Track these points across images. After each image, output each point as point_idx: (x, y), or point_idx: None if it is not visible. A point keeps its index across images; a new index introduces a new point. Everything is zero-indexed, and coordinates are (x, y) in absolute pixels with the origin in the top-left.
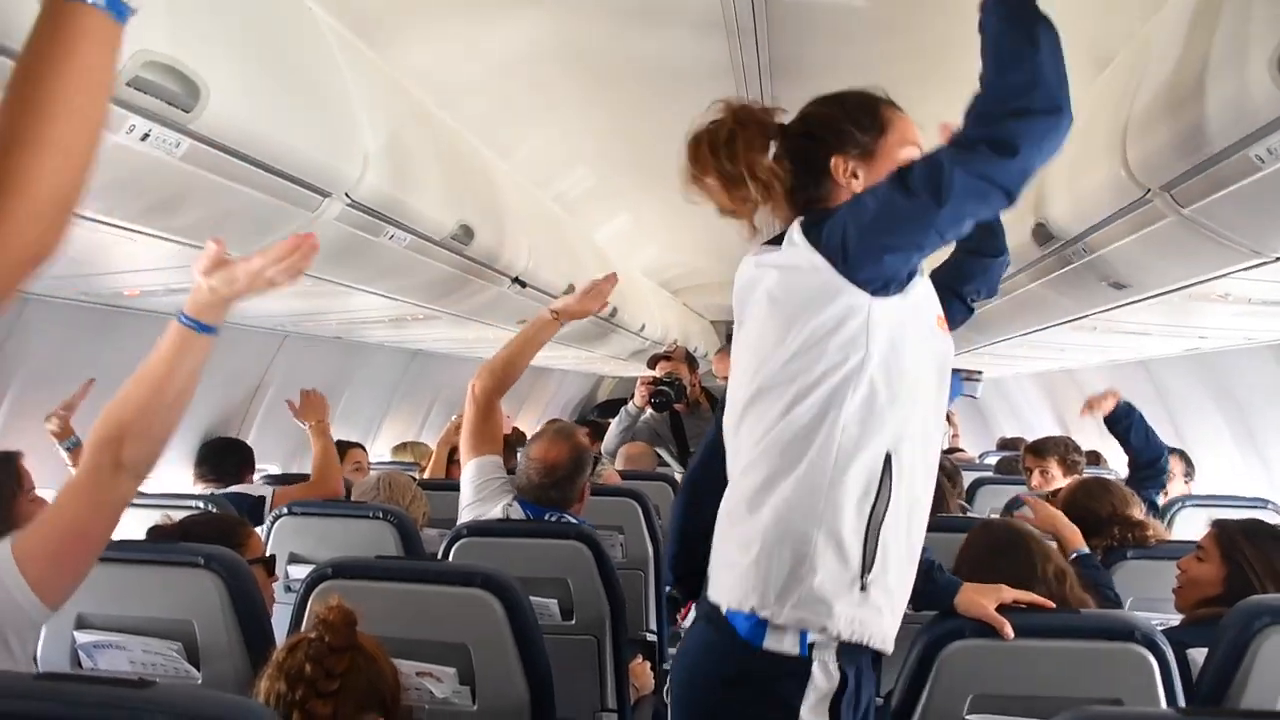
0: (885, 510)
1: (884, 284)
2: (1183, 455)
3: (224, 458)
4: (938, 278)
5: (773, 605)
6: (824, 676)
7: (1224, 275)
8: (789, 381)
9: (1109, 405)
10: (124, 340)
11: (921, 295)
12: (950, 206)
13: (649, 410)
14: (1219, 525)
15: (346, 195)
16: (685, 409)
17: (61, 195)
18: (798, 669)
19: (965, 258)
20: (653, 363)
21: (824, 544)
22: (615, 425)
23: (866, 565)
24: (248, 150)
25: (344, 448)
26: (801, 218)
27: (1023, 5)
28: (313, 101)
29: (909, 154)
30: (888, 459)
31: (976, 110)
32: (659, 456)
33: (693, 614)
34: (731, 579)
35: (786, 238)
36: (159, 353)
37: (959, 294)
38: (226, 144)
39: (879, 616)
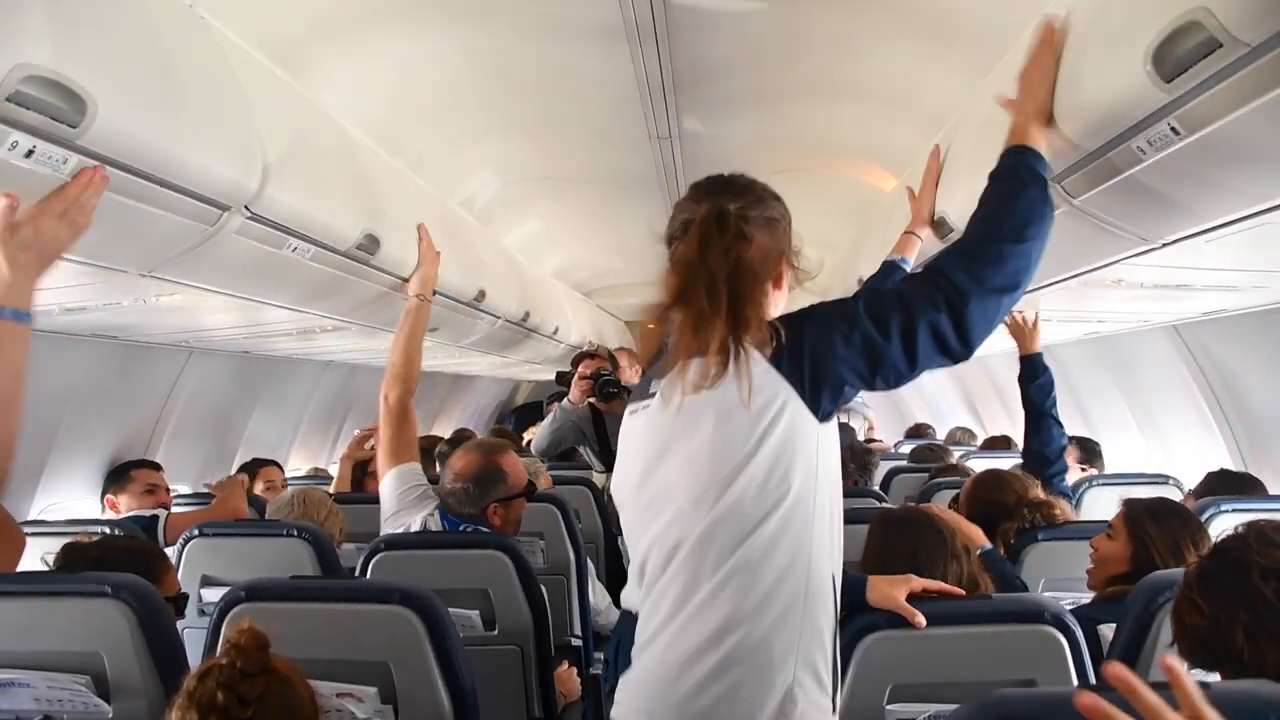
0: (839, 629)
1: (831, 411)
2: (1082, 443)
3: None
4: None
5: None
6: None
7: (1116, 262)
8: (750, 511)
9: (1032, 337)
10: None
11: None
12: (918, 370)
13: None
14: (1127, 505)
15: (246, 208)
16: (621, 404)
17: None
18: None
19: None
20: (576, 361)
21: (803, 674)
22: (548, 424)
23: (836, 685)
24: (140, 165)
25: (258, 465)
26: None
27: (1042, 188)
28: (208, 113)
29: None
30: (832, 580)
31: (968, 273)
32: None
33: None
34: (705, 718)
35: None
36: None
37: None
38: (117, 159)
39: None
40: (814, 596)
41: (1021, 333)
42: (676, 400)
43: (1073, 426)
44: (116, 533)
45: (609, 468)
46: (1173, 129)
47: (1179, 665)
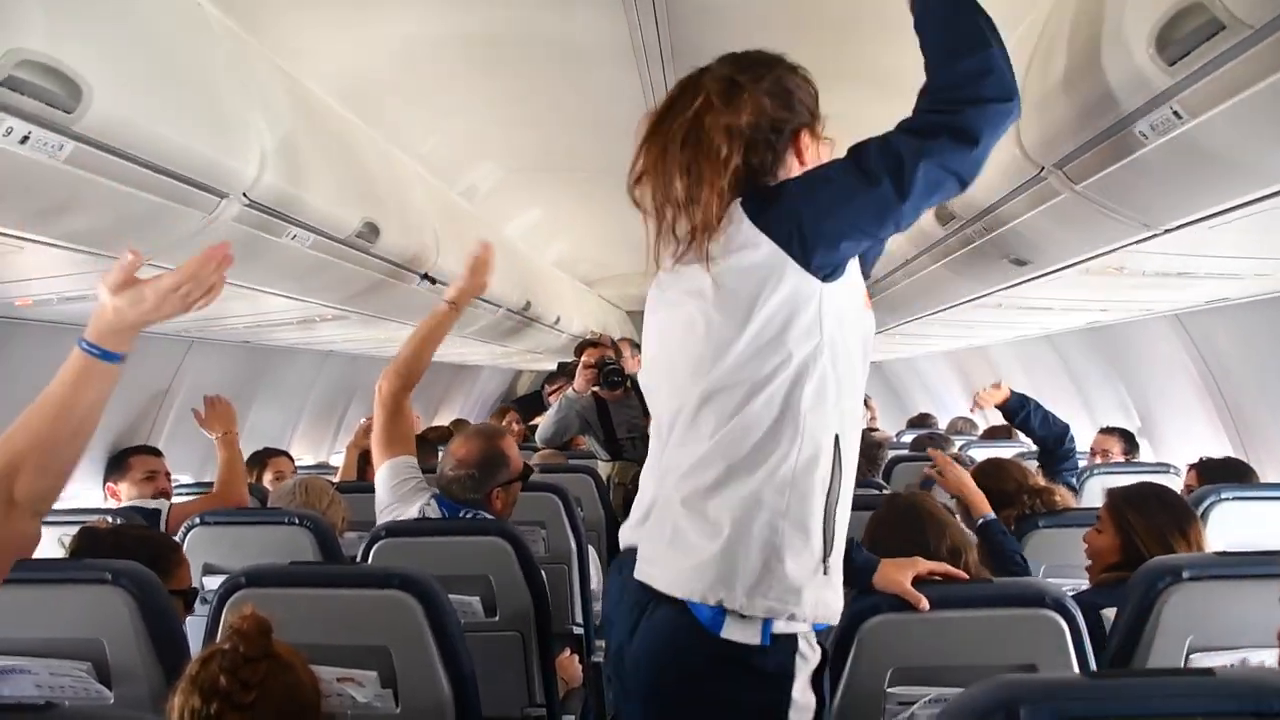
0: (839, 492)
1: (834, 269)
2: (1124, 434)
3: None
4: None
5: (741, 597)
6: (811, 651)
7: (1118, 249)
8: (746, 377)
9: (998, 398)
10: (17, 354)
11: (856, 275)
12: (913, 200)
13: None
14: (1109, 495)
15: (244, 195)
16: (625, 393)
17: None
18: (772, 652)
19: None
20: (581, 349)
21: (791, 533)
22: (552, 414)
23: (827, 548)
24: (136, 151)
25: (266, 455)
26: (739, 198)
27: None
28: (204, 99)
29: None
30: (836, 442)
31: (933, 98)
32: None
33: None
34: (692, 569)
35: (727, 218)
36: (59, 381)
37: None
38: (113, 145)
39: (835, 594)
40: (807, 460)
41: (992, 400)
42: (668, 276)
43: (1076, 416)
44: (123, 522)
45: (615, 457)
46: (1175, 113)
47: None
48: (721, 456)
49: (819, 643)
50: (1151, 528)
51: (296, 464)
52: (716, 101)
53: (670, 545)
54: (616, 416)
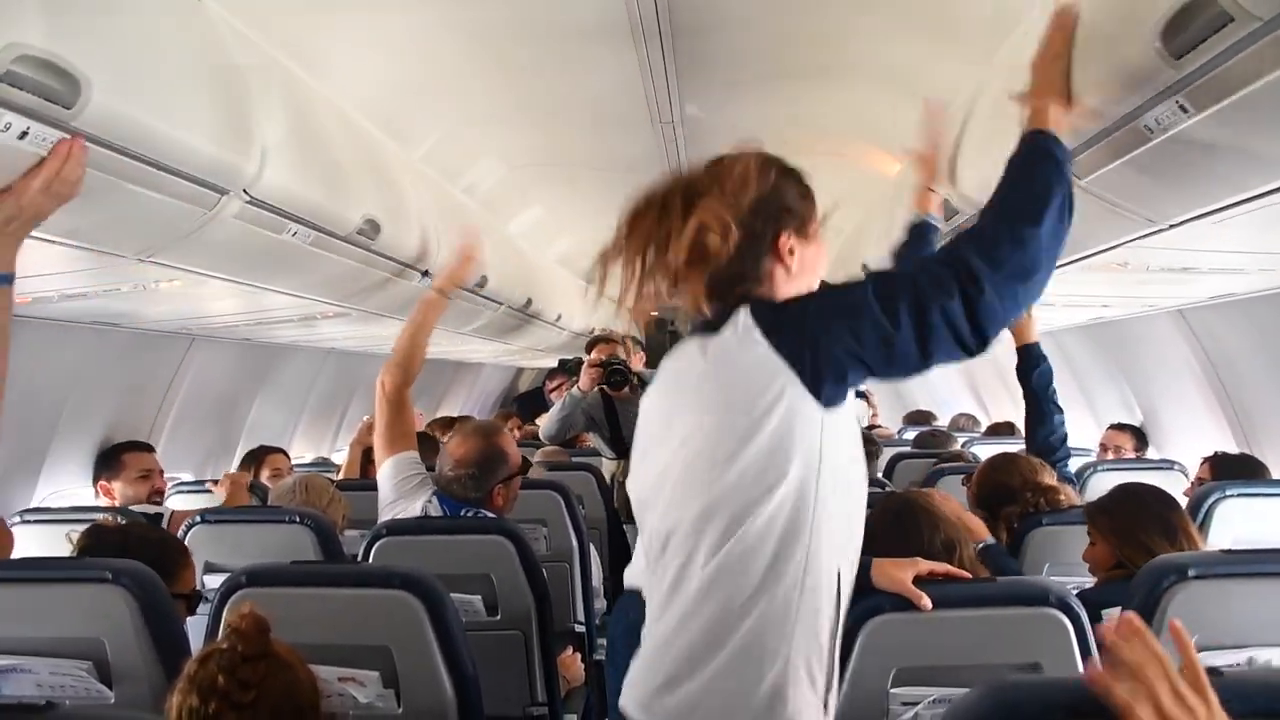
0: (839, 627)
1: (836, 398)
2: (1135, 430)
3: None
4: None
5: None
6: None
7: (1122, 244)
8: (744, 496)
9: (1028, 326)
10: (20, 353)
11: (852, 401)
12: (932, 363)
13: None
14: (1085, 509)
15: (245, 192)
16: (631, 392)
17: None
18: None
19: None
20: (590, 346)
21: (795, 673)
22: (556, 411)
23: (829, 685)
24: (136, 147)
25: (263, 453)
26: (750, 306)
27: (1061, 172)
28: (204, 95)
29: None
30: (838, 577)
31: (983, 256)
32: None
33: None
34: (694, 713)
35: (734, 324)
36: None
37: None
38: (113, 141)
39: None
40: (811, 592)
41: (1017, 322)
42: (672, 380)
43: (1079, 414)
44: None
45: (620, 455)
46: (1181, 107)
47: (1184, 629)
48: (720, 590)
49: None
50: (1125, 533)
51: (297, 462)
52: (683, 210)
53: (664, 689)
54: (623, 414)
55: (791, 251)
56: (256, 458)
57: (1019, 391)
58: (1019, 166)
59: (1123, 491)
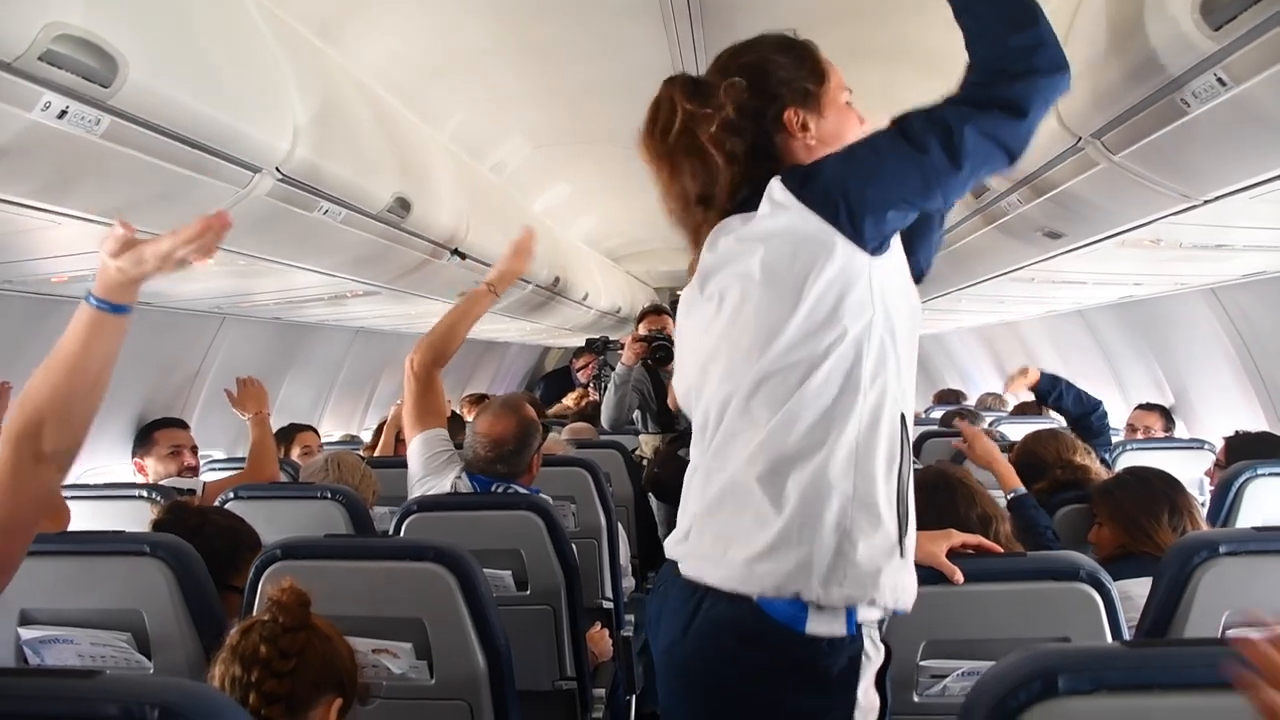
0: (908, 471)
1: (881, 242)
2: (1163, 411)
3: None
4: None
5: (818, 588)
6: (875, 651)
7: (1155, 220)
8: (801, 357)
9: (1028, 382)
10: (54, 330)
11: (899, 249)
12: (965, 171)
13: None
14: (1092, 493)
15: (277, 170)
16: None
17: None
18: (845, 648)
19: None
20: (641, 319)
21: (861, 515)
22: (611, 394)
23: (902, 529)
24: (172, 125)
25: (293, 431)
26: (780, 176)
27: None
28: (238, 74)
29: (846, 99)
30: (901, 419)
31: (981, 73)
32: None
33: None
34: (757, 563)
35: (767, 197)
36: (71, 336)
37: None
38: (149, 119)
39: (911, 577)
40: (871, 438)
41: (1023, 384)
42: (712, 262)
43: (1108, 393)
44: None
45: (665, 429)
46: (1219, 79)
47: None
48: (780, 442)
49: (882, 640)
50: (1126, 516)
51: (326, 439)
52: (692, 107)
53: (727, 541)
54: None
55: (805, 126)
56: (288, 435)
57: (1047, 368)
58: None
59: (1129, 475)
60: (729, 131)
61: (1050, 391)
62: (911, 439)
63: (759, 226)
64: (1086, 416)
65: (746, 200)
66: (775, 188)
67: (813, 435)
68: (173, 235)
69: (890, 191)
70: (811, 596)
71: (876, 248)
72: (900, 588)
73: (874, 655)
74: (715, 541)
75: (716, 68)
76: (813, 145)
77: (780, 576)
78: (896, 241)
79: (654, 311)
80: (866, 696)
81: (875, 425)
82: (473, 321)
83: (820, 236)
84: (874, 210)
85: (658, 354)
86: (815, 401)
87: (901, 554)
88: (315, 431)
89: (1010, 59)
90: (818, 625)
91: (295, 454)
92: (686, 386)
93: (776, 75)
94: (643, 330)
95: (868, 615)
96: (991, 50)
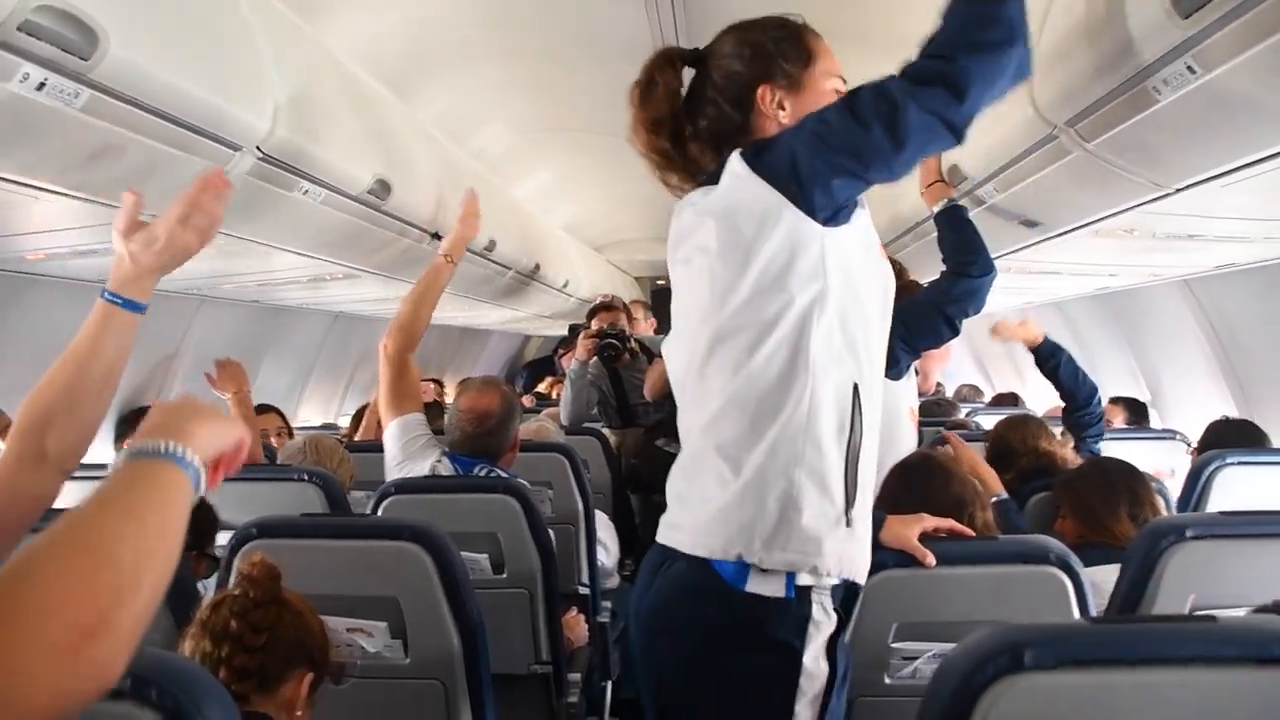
0: (860, 441)
1: (834, 212)
2: (1130, 403)
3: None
4: (924, 299)
5: (760, 551)
6: (825, 617)
7: (1129, 209)
8: (750, 322)
9: (1028, 334)
10: (31, 309)
11: (865, 224)
12: (908, 149)
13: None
14: (1054, 485)
15: (258, 148)
16: (633, 358)
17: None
18: (792, 612)
19: (954, 281)
20: (592, 314)
21: (807, 482)
22: (568, 392)
23: (849, 499)
24: (152, 101)
25: (259, 411)
26: (739, 150)
27: None
28: (219, 51)
29: (834, 85)
30: (855, 389)
31: (935, 42)
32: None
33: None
34: (709, 526)
35: (727, 170)
36: (84, 334)
37: (945, 315)
38: (129, 94)
39: (861, 549)
40: (819, 407)
41: (1016, 334)
42: (677, 234)
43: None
44: None
45: (626, 425)
46: (1189, 67)
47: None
48: (732, 407)
49: (835, 609)
50: (1085, 508)
51: (304, 425)
52: (663, 87)
53: (687, 504)
54: (628, 382)
55: (781, 105)
56: None
57: (1024, 363)
58: None
59: (1090, 467)
60: (705, 103)
61: (1050, 358)
62: (867, 409)
63: (716, 198)
64: (1081, 400)
65: (711, 174)
66: (735, 160)
67: (763, 403)
68: (178, 204)
69: (835, 161)
70: (753, 559)
71: (829, 218)
72: (847, 558)
73: (824, 622)
74: (678, 506)
75: (712, 44)
76: (784, 124)
77: (725, 539)
78: (864, 217)
79: (604, 308)
80: (816, 664)
81: (826, 395)
82: (436, 295)
83: (772, 205)
84: (820, 178)
85: (606, 351)
86: (765, 370)
87: (849, 523)
88: (279, 413)
89: (962, 28)
90: (758, 585)
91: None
92: (667, 349)
93: (753, 51)
94: (594, 326)
95: (812, 582)
96: (949, 18)
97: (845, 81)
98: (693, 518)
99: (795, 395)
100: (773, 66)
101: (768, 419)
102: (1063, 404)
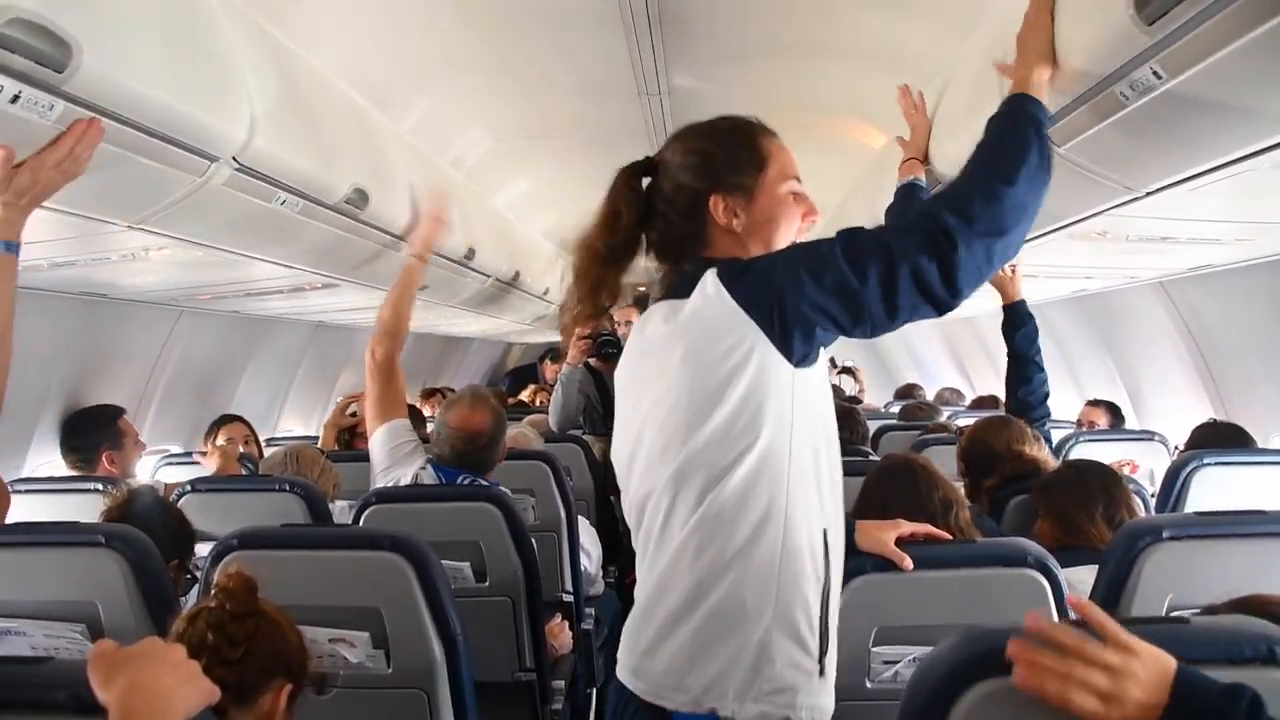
0: (830, 590)
1: (806, 356)
2: (1109, 406)
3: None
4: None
5: (734, 705)
6: None
7: (1101, 212)
8: (717, 458)
9: (1009, 282)
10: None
11: (823, 366)
12: (898, 320)
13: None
14: (1033, 489)
15: (234, 159)
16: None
17: None
18: None
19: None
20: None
21: (779, 632)
22: (558, 397)
23: (823, 648)
24: (127, 113)
25: (223, 420)
26: (715, 269)
27: (1039, 132)
28: (195, 62)
29: (789, 189)
30: (825, 536)
31: (943, 198)
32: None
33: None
34: (676, 677)
35: (699, 289)
36: None
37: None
38: (104, 106)
39: (829, 697)
40: (791, 553)
41: (1003, 281)
42: (642, 345)
43: (1063, 387)
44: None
45: (610, 430)
46: (1155, 73)
47: (1089, 603)
48: (698, 552)
49: None
50: (1060, 511)
51: (285, 435)
52: (625, 190)
53: (649, 648)
54: (613, 387)
55: (736, 214)
56: (217, 425)
57: (1004, 366)
58: (998, 126)
59: (1067, 470)
60: (656, 216)
61: (1022, 324)
62: (834, 555)
63: (687, 319)
64: (1029, 374)
65: (675, 286)
66: (709, 280)
67: (730, 550)
68: (50, 150)
69: (822, 310)
70: (727, 713)
71: (801, 360)
72: (817, 709)
73: None
74: (639, 647)
75: (663, 150)
76: (738, 232)
77: (697, 691)
78: (822, 359)
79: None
80: None
81: (796, 542)
82: (412, 296)
83: (744, 335)
84: (803, 326)
85: (605, 349)
86: (732, 514)
87: (821, 673)
88: (245, 423)
89: (964, 199)
90: None
91: (221, 439)
92: (621, 458)
93: (704, 163)
94: (584, 331)
95: None
96: (960, 184)
97: (800, 181)
98: (655, 665)
99: (768, 535)
100: (723, 177)
101: (736, 562)
102: (1007, 380)
